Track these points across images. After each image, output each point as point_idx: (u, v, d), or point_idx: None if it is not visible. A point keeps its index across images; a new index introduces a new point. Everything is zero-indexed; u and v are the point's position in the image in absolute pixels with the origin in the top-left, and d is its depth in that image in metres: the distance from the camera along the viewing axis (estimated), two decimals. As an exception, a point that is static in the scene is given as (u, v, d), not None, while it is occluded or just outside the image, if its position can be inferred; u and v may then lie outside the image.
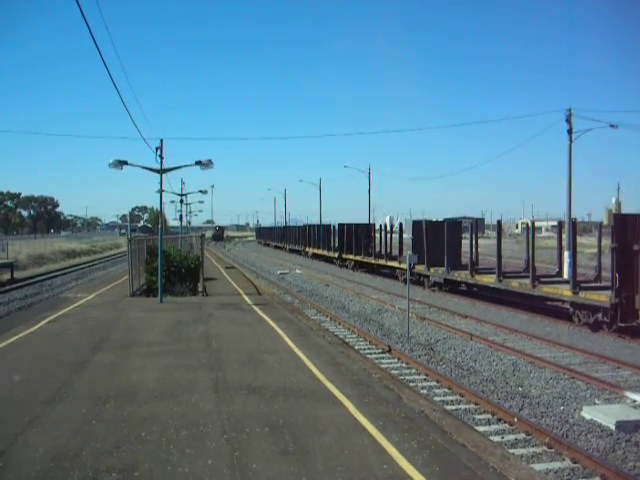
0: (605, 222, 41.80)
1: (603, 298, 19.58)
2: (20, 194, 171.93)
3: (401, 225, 46.59)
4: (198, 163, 23.07)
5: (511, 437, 10.65)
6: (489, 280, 27.06)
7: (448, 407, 11.87)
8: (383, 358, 16.88)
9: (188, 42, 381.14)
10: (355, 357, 14.24)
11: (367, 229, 47.82)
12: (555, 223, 39.88)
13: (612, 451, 10.07)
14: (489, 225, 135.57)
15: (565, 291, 21.67)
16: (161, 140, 22.69)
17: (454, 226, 33.66)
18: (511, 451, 9.21)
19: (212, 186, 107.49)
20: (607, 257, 21.94)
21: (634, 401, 12.69)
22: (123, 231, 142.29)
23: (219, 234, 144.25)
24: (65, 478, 6.65)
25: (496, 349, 17.69)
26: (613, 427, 10.94)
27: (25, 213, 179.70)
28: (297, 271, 46.67)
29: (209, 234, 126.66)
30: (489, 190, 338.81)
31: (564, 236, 27.58)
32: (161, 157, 22.48)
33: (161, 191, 23.61)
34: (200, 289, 26.37)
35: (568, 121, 35.31)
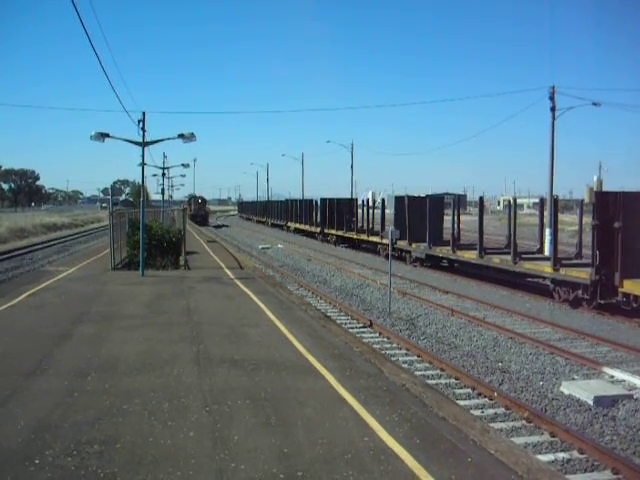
0: (586, 200, 41.96)
1: (583, 275, 19.75)
2: (0, 167, 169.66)
3: (383, 200, 46.67)
4: (181, 136, 22.87)
5: (491, 411, 10.77)
6: (470, 256, 27.18)
7: (429, 381, 11.95)
8: (364, 332, 16.95)
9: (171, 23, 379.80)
10: (337, 331, 14.28)
11: (349, 204, 47.86)
12: (537, 200, 40.03)
13: (590, 425, 10.21)
14: (471, 202, 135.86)
15: (546, 268, 21.83)
16: (143, 113, 22.35)
17: (436, 202, 33.76)
18: (491, 425, 9.29)
19: (194, 160, 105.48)
20: (588, 234, 22.10)
21: (612, 377, 12.86)
22: (104, 205, 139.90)
23: (199, 210, 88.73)
24: (47, 450, 6.63)
25: (477, 324, 17.82)
26: (591, 402, 11.08)
27: (6, 186, 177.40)
28: (279, 245, 46.57)
29: None
30: (471, 167, 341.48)
31: (546, 213, 27.70)
32: (143, 130, 22.17)
33: (143, 164, 23.40)
34: (182, 263, 26.25)
35: (551, 99, 35.16)
